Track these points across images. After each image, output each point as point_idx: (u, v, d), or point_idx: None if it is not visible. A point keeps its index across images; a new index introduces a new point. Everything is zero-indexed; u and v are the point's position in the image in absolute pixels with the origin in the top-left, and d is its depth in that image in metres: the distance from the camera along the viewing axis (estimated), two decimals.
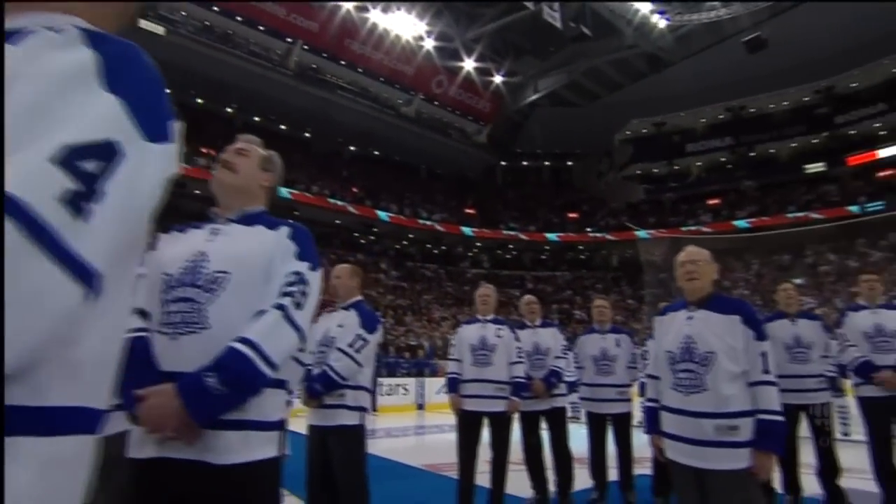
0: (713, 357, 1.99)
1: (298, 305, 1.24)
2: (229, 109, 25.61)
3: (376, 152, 30.13)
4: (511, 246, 30.16)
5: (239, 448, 1.16)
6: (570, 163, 35.02)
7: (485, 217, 29.96)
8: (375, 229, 26.93)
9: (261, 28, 22.23)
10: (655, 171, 31.26)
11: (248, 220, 1.41)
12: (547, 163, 35.39)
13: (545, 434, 3.95)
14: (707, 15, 20.96)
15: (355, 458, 2.65)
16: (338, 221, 25.29)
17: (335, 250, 24.13)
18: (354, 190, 26.05)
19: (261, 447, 1.20)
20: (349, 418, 2.63)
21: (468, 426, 3.52)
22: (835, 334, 3.62)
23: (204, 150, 21.01)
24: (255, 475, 1.19)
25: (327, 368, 2.64)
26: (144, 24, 18.69)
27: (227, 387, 1.11)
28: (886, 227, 23.06)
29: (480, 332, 3.62)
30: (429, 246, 29.00)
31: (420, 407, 12.31)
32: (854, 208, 23.72)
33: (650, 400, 2.26)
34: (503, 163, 34.27)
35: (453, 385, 3.63)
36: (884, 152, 24.65)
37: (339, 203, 23.55)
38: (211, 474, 1.13)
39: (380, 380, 11.35)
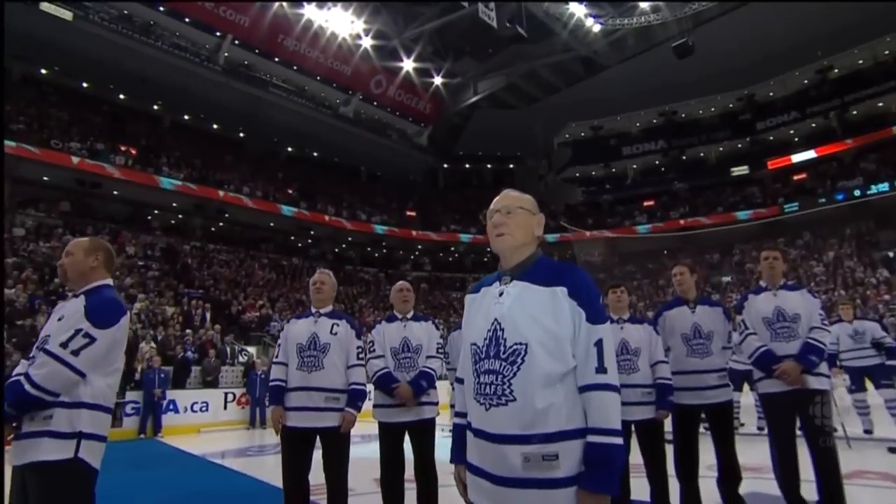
0: (522, 350, 1.36)
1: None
2: (156, 107, 24.10)
3: (314, 153, 29.22)
4: (452, 248, 30.00)
5: None
6: (511, 165, 35.33)
7: (426, 220, 29.65)
8: (313, 233, 26.04)
9: (187, 20, 21.00)
10: (593, 173, 32.04)
11: None
12: (489, 165, 35.55)
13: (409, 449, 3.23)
14: (638, 20, 21.60)
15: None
16: (272, 224, 24.24)
17: (269, 254, 23.10)
18: (290, 192, 25.07)
19: None
20: (52, 451, 1.75)
21: (293, 447, 2.91)
22: (736, 322, 3.27)
23: (123, 148, 19.58)
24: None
25: (22, 378, 1.78)
26: (47, 6, 17.12)
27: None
28: (801, 226, 24.60)
29: (311, 328, 3.04)
30: (369, 249, 28.35)
31: None
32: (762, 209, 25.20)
33: (458, 414, 1.61)
34: (445, 165, 34.13)
35: (275, 396, 2.99)
36: (797, 157, 26.34)
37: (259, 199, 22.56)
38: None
39: None
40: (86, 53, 19.21)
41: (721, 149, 29.40)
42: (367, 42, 24.72)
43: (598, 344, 1.37)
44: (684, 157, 30.05)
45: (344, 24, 23.55)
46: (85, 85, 21.78)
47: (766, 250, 3.26)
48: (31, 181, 18.11)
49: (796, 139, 27.30)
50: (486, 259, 30.59)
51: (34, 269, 12.54)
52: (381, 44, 25.06)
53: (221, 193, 21.41)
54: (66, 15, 18.04)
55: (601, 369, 1.36)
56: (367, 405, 3.08)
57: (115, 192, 19.63)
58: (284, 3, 20.93)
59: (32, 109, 18.97)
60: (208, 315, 13.82)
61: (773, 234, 23.76)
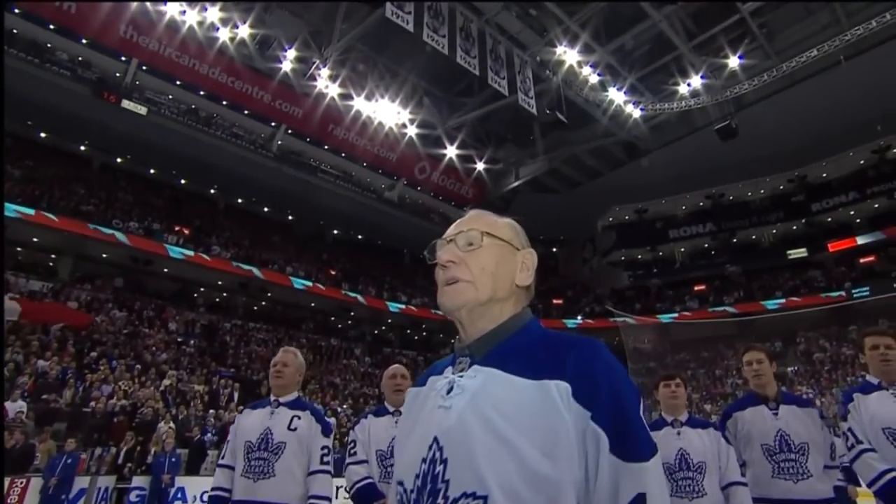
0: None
1: None
2: (212, 190, 25.64)
3: (359, 236, 29.93)
4: None
5: None
6: (554, 249, 34.95)
7: None
8: (353, 314, 26.00)
9: (246, 112, 22.71)
10: (639, 257, 31.13)
11: None
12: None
13: None
14: (679, 105, 21.70)
15: None
16: (313, 304, 24.43)
17: (308, 334, 23.03)
18: (332, 273, 25.43)
19: None
20: None
21: None
22: (838, 429, 2.45)
23: (177, 228, 20.58)
24: None
25: None
26: (127, 104, 18.97)
27: None
28: (877, 312, 22.51)
29: (264, 421, 2.46)
30: (409, 332, 27.93)
31: None
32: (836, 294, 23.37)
33: None
34: None
35: None
36: (862, 239, 24.75)
37: (309, 284, 22.74)
38: None
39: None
40: (155, 142, 20.91)
41: (774, 231, 28.13)
42: (412, 131, 25.86)
43: (640, 502, 0.75)
44: (735, 240, 28.86)
45: (390, 115, 24.84)
46: (152, 171, 23.54)
47: (873, 336, 2.48)
48: (92, 258, 19.17)
49: (858, 220, 25.82)
50: None
51: (74, 343, 12.77)
52: (425, 132, 26.15)
53: (254, 270, 21.88)
54: (142, 110, 19.87)
55: None
56: None
57: (166, 270, 20.43)
58: (335, 95, 22.34)
59: (103, 193, 20.45)
60: (236, 395, 13.52)
61: (842, 321, 21.85)
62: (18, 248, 18.34)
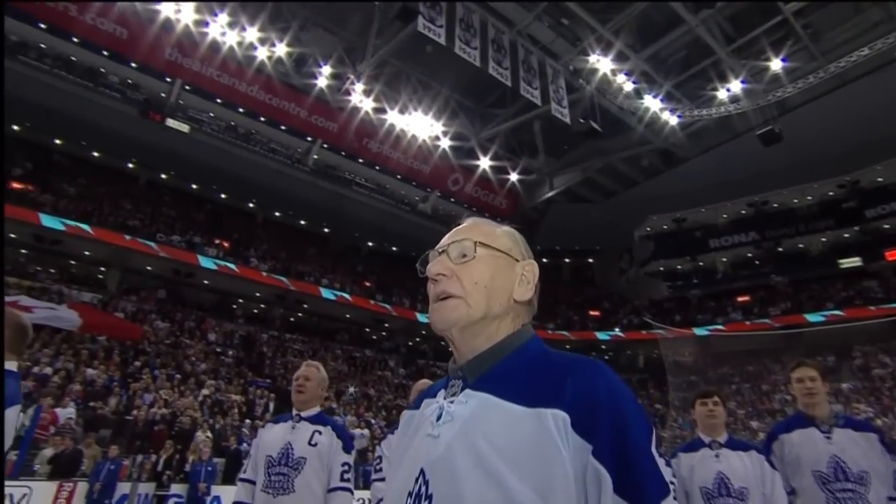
0: None
1: None
2: (251, 205, 26.39)
3: (393, 248, 30.19)
4: None
5: None
6: (590, 260, 34.34)
7: None
8: (387, 325, 26.16)
9: (282, 128, 23.34)
10: (679, 267, 30.21)
11: None
12: (567, 259, 34.81)
13: None
14: (717, 111, 21.08)
15: None
16: (348, 315, 24.70)
17: (343, 345, 23.27)
18: (367, 284, 25.68)
19: None
20: None
21: None
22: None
23: (217, 241, 21.20)
24: None
25: None
26: (171, 122, 19.81)
27: None
28: None
29: (286, 436, 2.45)
30: (443, 343, 27.78)
31: None
32: None
33: None
34: None
35: None
36: None
37: (338, 294, 23.00)
38: None
39: (358, 494, 9.94)
40: (197, 159, 21.74)
41: (824, 239, 26.82)
42: (445, 143, 26.01)
43: None
44: (781, 249, 27.68)
45: (424, 127, 25.07)
46: (194, 186, 24.43)
47: None
48: (138, 270, 19.97)
49: None
50: None
51: (120, 352, 13.26)
52: (458, 144, 26.25)
53: (285, 281, 22.27)
54: (185, 128, 20.73)
55: None
56: None
57: (206, 282, 21.07)
58: (369, 109, 22.73)
59: (148, 209, 21.33)
60: (272, 405, 13.74)
61: None
62: (72, 262, 19.32)
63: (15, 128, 19.98)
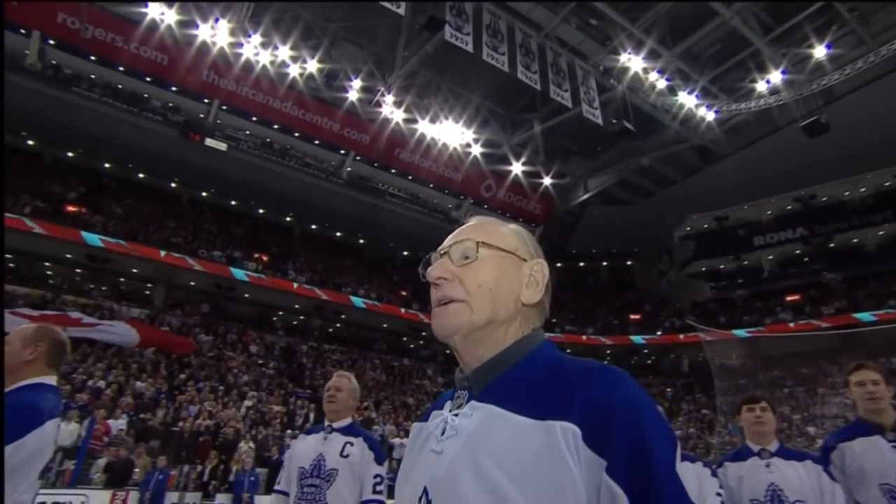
0: None
1: None
2: (288, 218, 27.00)
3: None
4: (569, 350, 28.22)
5: None
6: (629, 262, 33.59)
7: None
8: (424, 334, 26.18)
9: (316, 142, 23.83)
10: (722, 267, 29.17)
11: None
12: (605, 263, 34.15)
13: None
14: (757, 103, 20.32)
15: None
16: (385, 325, 24.88)
17: (381, 355, 23.43)
18: (403, 293, 25.82)
19: None
20: None
21: None
22: None
23: (256, 255, 21.74)
24: None
25: None
26: (210, 141, 20.53)
27: None
28: None
29: (318, 447, 2.45)
30: None
31: None
32: None
33: None
34: (558, 264, 33.36)
35: None
36: None
37: (368, 302, 23.15)
38: None
39: None
40: (235, 176, 22.44)
41: (882, 233, 25.40)
42: (476, 150, 25.99)
43: None
44: (832, 245, 26.35)
45: (455, 135, 25.13)
46: (233, 202, 25.20)
47: None
48: (182, 286, 20.68)
49: None
50: (605, 361, 28.32)
51: (166, 366, 13.71)
52: (489, 151, 26.19)
53: (313, 290, 22.57)
54: (223, 146, 21.44)
55: None
56: None
57: (246, 295, 21.62)
58: (400, 120, 22.96)
59: (190, 226, 22.10)
60: (312, 416, 13.92)
61: None
62: (122, 279, 20.19)
63: (69, 154, 21.19)
